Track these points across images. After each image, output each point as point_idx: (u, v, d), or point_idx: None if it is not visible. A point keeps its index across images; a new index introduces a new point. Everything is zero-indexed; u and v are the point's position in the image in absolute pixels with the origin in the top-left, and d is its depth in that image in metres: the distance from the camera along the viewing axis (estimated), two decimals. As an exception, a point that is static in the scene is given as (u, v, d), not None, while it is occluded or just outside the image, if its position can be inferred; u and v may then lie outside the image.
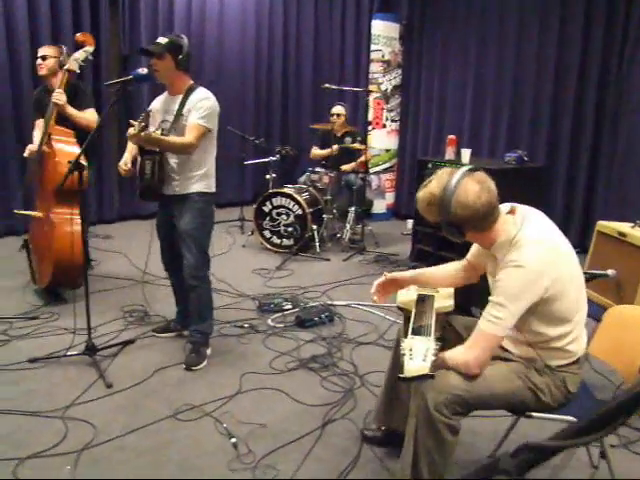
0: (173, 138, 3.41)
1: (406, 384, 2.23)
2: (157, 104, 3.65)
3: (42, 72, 4.59)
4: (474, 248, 2.51)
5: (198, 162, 3.51)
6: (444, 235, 2.22)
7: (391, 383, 2.66)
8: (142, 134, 3.17)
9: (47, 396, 3.22)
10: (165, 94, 3.62)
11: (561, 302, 2.10)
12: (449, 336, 2.46)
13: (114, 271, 5.37)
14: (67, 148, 4.33)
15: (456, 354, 2.13)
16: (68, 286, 4.53)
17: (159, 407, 3.15)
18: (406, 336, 2.09)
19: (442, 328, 2.45)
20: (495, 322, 2.06)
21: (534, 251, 2.06)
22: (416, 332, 2.12)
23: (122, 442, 2.83)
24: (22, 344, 3.86)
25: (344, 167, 6.62)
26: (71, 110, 4.40)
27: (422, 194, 2.19)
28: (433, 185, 2.15)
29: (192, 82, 3.55)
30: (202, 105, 3.42)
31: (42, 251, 4.48)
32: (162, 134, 3.39)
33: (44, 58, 4.58)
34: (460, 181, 2.08)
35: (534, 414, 2.21)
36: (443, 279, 2.63)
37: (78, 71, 4.49)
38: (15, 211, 4.95)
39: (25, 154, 4.65)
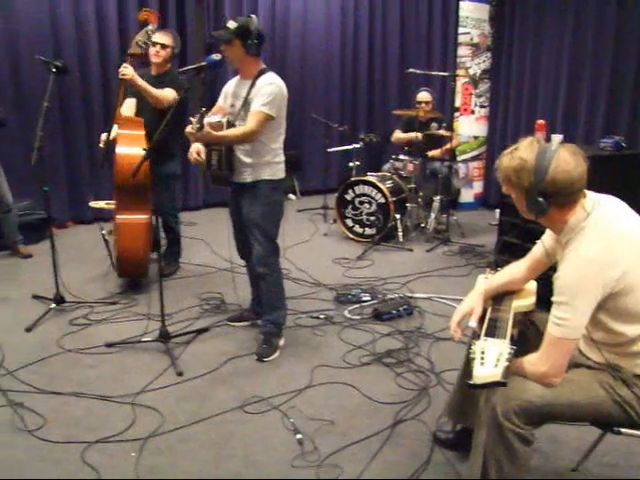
0: (232, 131, 3.34)
1: (476, 391, 2.06)
2: (229, 87, 3.59)
3: (156, 60, 4.50)
4: (547, 234, 2.29)
5: (263, 150, 3.42)
6: (520, 210, 2.04)
7: (465, 377, 2.48)
8: (199, 133, 3.13)
9: (119, 381, 3.26)
10: (237, 77, 3.55)
11: (635, 296, 1.89)
12: (530, 335, 2.27)
13: (195, 258, 5.41)
14: (128, 144, 4.29)
15: (532, 362, 1.95)
16: (136, 276, 4.61)
17: (227, 398, 3.11)
18: (478, 338, 1.93)
19: (521, 327, 2.27)
20: (562, 324, 1.88)
21: (597, 240, 1.87)
22: (490, 334, 1.95)
23: (187, 432, 2.81)
24: (101, 328, 3.94)
25: (431, 153, 6.41)
26: (140, 82, 4.26)
27: (508, 160, 1.99)
28: (523, 151, 1.95)
29: (263, 66, 3.46)
30: (265, 91, 3.31)
31: (115, 241, 4.56)
32: (228, 120, 3.34)
33: (163, 47, 4.50)
34: (557, 149, 1.91)
35: (624, 430, 1.99)
36: (514, 284, 2.42)
37: (143, 52, 4.44)
38: (90, 203, 5.06)
39: (100, 144, 4.62)
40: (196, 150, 3.48)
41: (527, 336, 2.27)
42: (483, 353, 1.81)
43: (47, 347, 3.65)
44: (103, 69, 6.46)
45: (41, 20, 6.04)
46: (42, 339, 3.76)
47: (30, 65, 5.95)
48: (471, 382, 1.74)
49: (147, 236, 4.39)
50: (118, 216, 4.34)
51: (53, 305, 4.14)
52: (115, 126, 4.50)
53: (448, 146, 6.27)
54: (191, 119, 3.16)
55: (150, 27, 4.43)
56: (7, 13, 5.91)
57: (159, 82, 4.44)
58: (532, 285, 2.43)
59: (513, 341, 1.93)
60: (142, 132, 4.33)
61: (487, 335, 1.95)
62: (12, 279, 4.88)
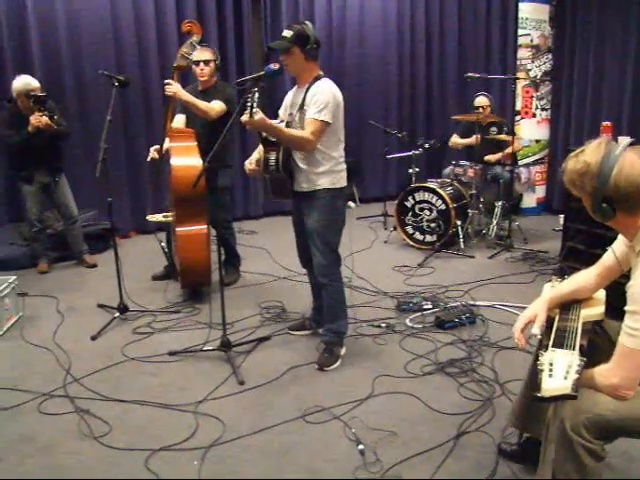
0: (290, 130, 3.34)
1: (543, 404, 1.98)
2: (288, 98, 3.60)
3: (203, 77, 4.57)
4: (619, 240, 2.19)
5: (322, 158, 3.39)
6: (590, 214, 1.95)
7: (530, 386, 2.40)
8: (255, 118, 3.07)
9: (181, 390, 3.29)
10: (295, 87, 3.56)
11: None
12: (601, 344, 2.18)
13: (256, 267, 5.44)
14: (182, 155, 4.35)
15: (603, 374, 1.86)
16: (198, 285, 4.67)
17: (288, 407, 3.10)
18: (546, 348, 1.87)
19: (591, 336, 2.18)
20: (635, 335, 1.79)
21: None
22: (558, 344, 1.88)
23: (249, 441, 2.81)
24: (164, 337, 4.00)
25: (488, 157, 6.29)
26: (186, 96, 4.30)
27: (573, 163, 1.92)
28: (588, 154, 1.88)
29: (320, 72, 3.44)
30: (318, 98, 3.29)
31: (177, 253, 4.61)
32: (287, 123, 3.35)
33: (207, 63, 4.55)
34: (623, 153, 1.83)
35: None
36: (582, 292, 2.33)
37: (186, 65, 4.48)
38: (147, 217, 5.14)
39: (148, 158, 4.68)
40: (250, 161, 3.51)
41: (598, 345, 2.18)
42: (551, 364, 1.75)
43: (112, 355, 3.73)
44: (163, 82, 6.59)
45: (104, 36, 6.24)
46: (107, 347, 3.85)
47: (93, 80, 6.16)
48: (539, 394, 1.68)
49: (208, 245, 4.44)
50: (178, 228, 4.39)
51: (117, 314, 4.23)
52: (167, 139, 4.57)
53: (509, 150, 6.14)
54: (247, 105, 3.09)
55: (194, 38, 4.49)
56: (72, 30, 6.13)
57: (207, 96, 4.50)
58: (601, 293, 2.34)
59: (582, 352, 1.86)
60: (194, 143, 4.38)
61: (555, 346, 1.88)
62: (78, 288, 5.02)
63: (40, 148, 5.07)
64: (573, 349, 1.85)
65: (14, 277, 4.34)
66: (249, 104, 3.04)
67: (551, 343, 1.91)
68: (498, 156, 6.28)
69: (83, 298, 4.73)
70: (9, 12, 5.84)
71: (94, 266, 5.57)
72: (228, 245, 4.97)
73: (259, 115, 3.09)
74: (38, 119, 4.87)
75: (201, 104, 4.35)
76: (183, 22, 4.65)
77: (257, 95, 3.05)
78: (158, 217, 4.92)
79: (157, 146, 4.68)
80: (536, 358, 2.03)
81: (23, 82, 4.96)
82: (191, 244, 4.37)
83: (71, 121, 5.94)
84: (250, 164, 3.55)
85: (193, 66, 4.54)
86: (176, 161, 4.31)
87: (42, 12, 5.97)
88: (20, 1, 5.86)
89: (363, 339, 3.93)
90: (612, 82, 6.78)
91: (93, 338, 3.97)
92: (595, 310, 2.22)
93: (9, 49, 5.88)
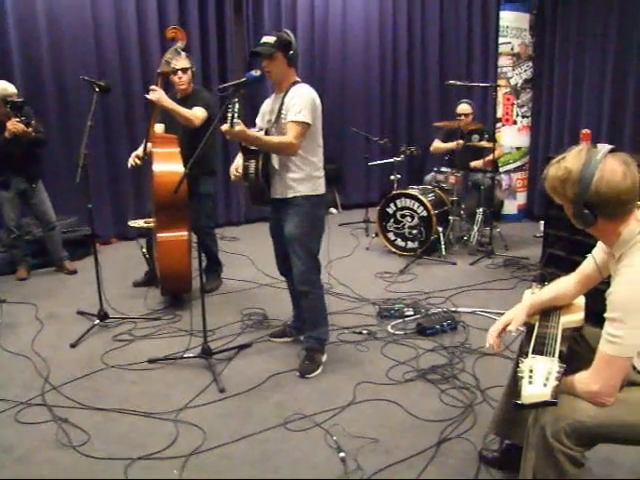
0: (271, 137, 3.34)
1: (524, 411, 1.98)
2: (266, 105, 3.61)
3: (181, 85, 4.58)
4: (599, 247, 2.21)
5: (301, 163, 3.39)
6: (572, 220, 1.96)
7: (511, 393, 2.40)
8: (235, 129, 3.05)
9: (162, 397, 3.26)
10: (273, 95, 3.56)
11: None
12: (581, 350, 2.20)
13: (237, 273, 5.42)
14: (164, 161, 4.34)
15: (583, 381, 1.87)
16: (178, 292, 4.65)
17: (269, 415, 3.08)
18: (526, 355, 1.87)
19: (571, 343, 2.19)
20: (615, 342, 1.79)
21: None
22: (538, 351, 1.89)
23: (230, 449, 2.79)
24: (143, 344, 3.97)
25: (474, 163, 6.32)
26: (168, 103, 4.28)
27: (554, 170, 1.93)
28: (569, 161, 1.89)
29: (297, 79, 3.46)
30: (296, 102, 3.30)
31: (157, 259, 4.58)
32: (266, 131, 3.36)
33: (184, 71, 4.57)
34: (604, 159, 1.84)
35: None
36: (562, 299, 2.34)
37: (171, 71, 4.48)
38: (129, 223, 5.11)
39: (129, 164, 4.66)
40: (236, 167, 3.49)
41: (577, 352, 2.19)
42: (531, 371, 1.75)
43: (91, 363, 3.69)
44: (145, 89, 6.55)
45: (85, 41, 6.21)
46: (86, 355, 3.81)
47: (74, 85, 6.11)
48: (519, 401, 1.68)
49: (189, 252, 4.41)
50: (159, 234, 4.36)
51: (97, 321, 4.19)
52: (148, 144, 4.55)
53: (490, 157, 6.18)
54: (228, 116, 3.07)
55: (179, 44, 4.47)
56: (53, 35, 6.09)
57: (186, 104, 4.48)
58: (580, 300, 2.35)
59: (562, 358, 1.87)
60: (177, 149, 4.37)
61: (535, 352, 1.89)
62: (57, 295, 4.97)
63: (17, 154, 5.03)
64: (553, 356, 1.86)
65: (-8, 284, 4.29)
66: (229, 114, 3.03)
67: (531, 350, 1.91)
68: (481, 162, 6.31)
69: (63, 305, 4.68)
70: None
71: (74, 272, 5.52)
72: (210, 252, 4.95)
73: (240, 127, 3.08)
74: (15, 125, 4.84)
75: (184, 111, 4.34)
76: (167, 28, 4.62)
77: (237, 105, 3.04)
78: (139, 223, 4.88)
79: (137, 152, 4.64)
80: (516, 365, 2.04)
81: (0, 87, 4.92)
82: (172, 250, 4.34)
83: (51, 127, 5.91)
84: (236, 171, 3.53)
85: (171, 75, 4.53)
86: (158, 167, 4.29)
87: (22, 17, 5.91)
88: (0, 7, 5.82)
89: (344, 346, 3.92)
90: (591, 90, 6.85)
91: (72, 346, 3.93)
92: (575, 317, 2.23)
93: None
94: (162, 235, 4.35)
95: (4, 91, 4.91)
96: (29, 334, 4.13)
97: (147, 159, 4.55)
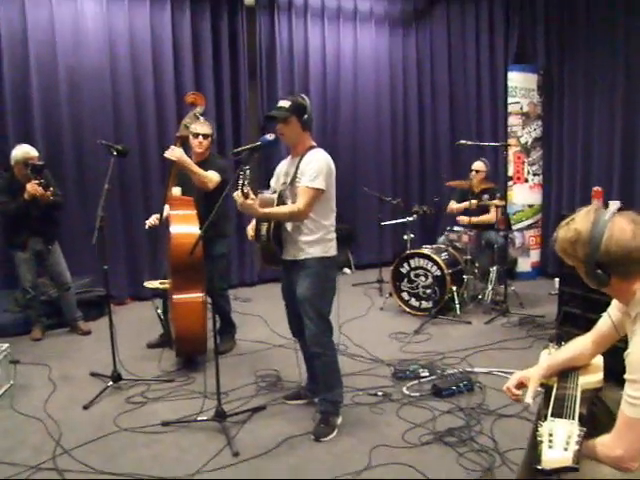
0: (280, 209, 3.38)
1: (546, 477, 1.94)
2: (281, 167, 3.66)
3: (200, 150, 4.63)
4: (614, 305, 2.19)
5: (314, 226, 3.43)
6: (585, 280, 1.95)
7: (530, 459, 2.34)
8: (247, 202, 3.14)
9: (175, 461, 3.22)
10: (289, 157, 3.62)
11: None
12: (599, 414, 2.15)
13: (251, 334, 5.40)
14: (182, 223, 4.39)
15: (605, 445, 1.82)
16: (193, 353, 4.64)
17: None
18: (545, 419, 1.84)
19: (589, 405, 2.15)
20: (636, 404, 1.75)
21: None
22: (557, 414, 1.85)
23: (244, 517, 2.73)
24: (157, 406, 3.93)
25: (482, 217, 6.38)
26: (188, 162, 4.36)
27: (564, 232, 1.94)
28: (578, 222, 1.90)
29: (313, 143, 3.52)
30: (312, 167, 3.35)
31: (173, 321, 4.58)
32: (280, 194, 3.41)
33: (205, 137, 4.63)
34: (612, 218, 1.85)
35: None
36: (579, 360, 2.31)
37: (191, 134, 4.57)
38: (145, 283, 5.14)
39: (146, 225, 4.74)
40: (252, 227, 3.53)
41: (596, 415, 2.15)
42: (551, 435, 1.72)
43: (104, 425, 3.65)
44: (161, 152, 6.70)
45: (104, 106, 6.40)
46: (99, 417, 3.78)
47: (92, 148, 6.26)
48: (540, 467, 1.64)
49: (204, 313, 4.41)
50: (175, 296, 4.37)
51: (110, 383, 4.16)
52: (166, 206, 4.62)
53: (493, 213, 6.24)
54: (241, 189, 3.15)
55: (198, 109, 4.58)
56: (73, 102, 6.29)
57: (202, 169, 4.52)
58: (599, 360, 2.32)
59: (582, 421, 1.83)
60: (194, 211, 4.43)
61: (554, 415, 1.85)
62: (71, 356, 4.95)
63: (35, 216, 5.13)
64: (572, 418, 1.83)
65: (7, 345, 4.29)
66: (240, 180, 3.09)
67: (550, 412, 1.88)
68: (491, 216, 6.33)
69: (76, 366, 4.67)
70: (14, 84, 6.01)
71: (88, 333, 5.52)
72: (223, 313, 4.95)
73: (250, 201, 3.16)
74: (34, 187, 4.95)
75: (201, 171, 4.41)
76: (187, 93, 4.76)
77: (248, 172, 3.09)
78: (155, 284, 4.90)
79: (158, 215, 4.73)
80: (535, 428, 2.00)
81: (23, 150, 5.07)
82: (188, 312, 4.35)
83: (69, 189, 6.02)
84: (252, 230, 3.55)
85: (191, 137, 4.61)
86: (175, 229, 4.34)
87: (45, 85, 6.14)
88: (24, 74, 6.04)
89: (360, 408, 3.87)
90: (601, 146, 6.89)
91: (85, 407, 3.90)
92: (594, 377, 2.20)
93: (11, 120, 6.01)
94: (178, 297, 4.36)
95: (26, 154, 5.05)
96: (42, 396, 4.11)
97: (164, 221, 4.60)
